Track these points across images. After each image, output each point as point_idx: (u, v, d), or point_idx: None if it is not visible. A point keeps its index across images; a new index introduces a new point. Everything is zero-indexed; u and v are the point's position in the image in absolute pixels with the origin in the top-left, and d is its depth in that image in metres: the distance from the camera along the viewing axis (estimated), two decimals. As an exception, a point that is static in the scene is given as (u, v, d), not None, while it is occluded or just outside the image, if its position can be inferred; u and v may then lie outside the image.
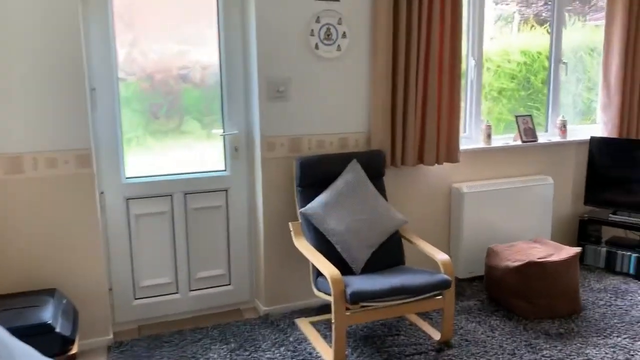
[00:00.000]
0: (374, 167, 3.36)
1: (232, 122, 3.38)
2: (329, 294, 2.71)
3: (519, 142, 4.06)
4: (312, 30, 3.26)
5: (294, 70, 3.27)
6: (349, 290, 2.64)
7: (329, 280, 2.67)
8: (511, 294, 3.37)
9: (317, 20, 3.26)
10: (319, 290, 2.97)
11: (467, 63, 3.94)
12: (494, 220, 3.89)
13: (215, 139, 3.40)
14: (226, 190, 3.43)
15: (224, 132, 3.39)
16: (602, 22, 4.34)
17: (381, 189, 3.35)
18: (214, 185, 3.39)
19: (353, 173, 3.23)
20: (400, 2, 3.33)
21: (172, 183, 3.30)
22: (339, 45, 3.34)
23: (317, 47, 3.29)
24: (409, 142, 3.51)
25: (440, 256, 2.98)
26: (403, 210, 3.67)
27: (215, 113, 3.38)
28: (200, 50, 3.30)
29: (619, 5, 4.03)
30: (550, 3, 4.17)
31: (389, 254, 3.19)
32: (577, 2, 4.12)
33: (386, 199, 3.34)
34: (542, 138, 4.19)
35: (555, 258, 3.33)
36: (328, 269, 2.74)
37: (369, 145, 3.53)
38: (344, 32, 3.34)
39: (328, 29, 3.30)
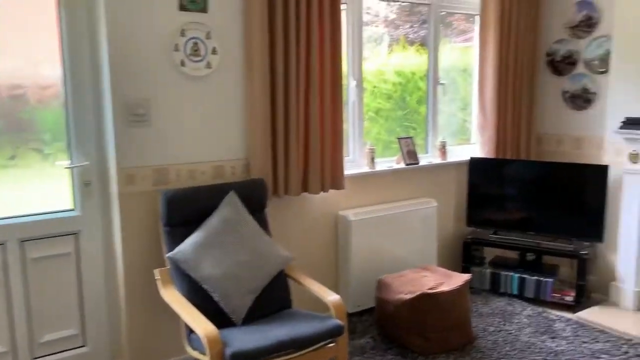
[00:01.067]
0: (255, 198, 2.99)
1: (81, 151, 2.83)
2: (205, 354, 2.28)
3: (402, 165, 3.93)
4: (177, 44, 2.84)
5: (156, 90, 2.82)
6: (228, 351, 2.23)
7: (203, 340, 2.24)
8: (405, 329, 3.16)
9: (182, 34, 2.84)
10: (193, 348, 2.52)
11: (348, 84, 3.73)
12: (382, 248, 3.70)
13: (60, 173, 2.82)
14: (76, 234, 2.85)
15: (71, 164, 2.82)
16: (470, 44, 4.40)
17: (263, 224, 2.99)
18: (59, 229, 2.80)
19: (230, 207, 2.83)
20: (277, 17, 3.02)
21: (3, 229, 2.66)
22: (208, 62, 2.94)
23: (183, 63, 2.87)
24: (292, 169, 3.20)
25: (331, 297, 2.67)
26: (288, 245, 3.33)
27: (59, 141, 2.81)
28: (38, 67, 2.72)
29: (491, 29, 4.09)
30: (415, 26, 4.13)
31: (273, 298, 2.82)
32: (441, 25, 4.14)
33: (269, 235, 2.98)
34: (423, 160, 4.10)
35: (446, 287, 3.18)
36: (202, 327, 2.30)
37: (247, 173, 3.16)
38: (214, 48, 2.95)
39: (195, 44, 2.89)
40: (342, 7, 3.45)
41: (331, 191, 3.46)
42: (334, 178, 3.42)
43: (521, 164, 4.20)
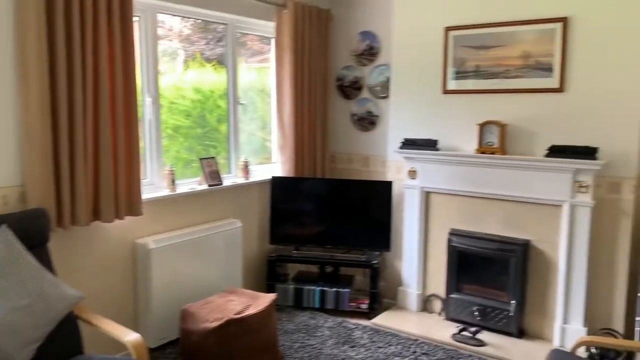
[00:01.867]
0: (34, 232, 2.58)
1: None
2: None
3: (205, 186, 3.81)
4: None
5: None
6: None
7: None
8: (213, 358, 3.03)
9: None
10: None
11: (144, 101, 3.49)
12: (186, 274, 3.52)
13: None
14: None
15: None
16: (266, 64, 4.51)
17: (45, 261, 2.59)
18: None
19: (2, 245, 2.39)
20: (57, 27, 2.68)
21: None
22: (-31, 73, 2.47)
23: None
24: (80, 195, 2.85)
25: (129, 337, 2.42)
26: (78, 282, 2.97)
27: None
28: None
29: (286, 52, 4.22)
30: (211, 43, 4.09)
31: (61, 345, 2.46)
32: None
33: (54, 273, 2.59)
34: (227, 180, 4.04)
35: (253, 310, 3.15)
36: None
37: (24, 203, 2.72)
38: (-23, 56, 2.49)
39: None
40: (135, 18, 3.23)
41: (127, 218, 3.18)
42: (130, 203, 3.15)
43: (317, 181, 4.41)
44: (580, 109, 3.44)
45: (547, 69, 3.53)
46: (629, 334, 3.40)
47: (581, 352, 3.26)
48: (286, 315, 4.01)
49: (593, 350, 3.33)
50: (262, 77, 4.58)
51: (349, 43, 4.66)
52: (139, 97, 3.25)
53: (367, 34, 4.55)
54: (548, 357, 2.54)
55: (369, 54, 4.57)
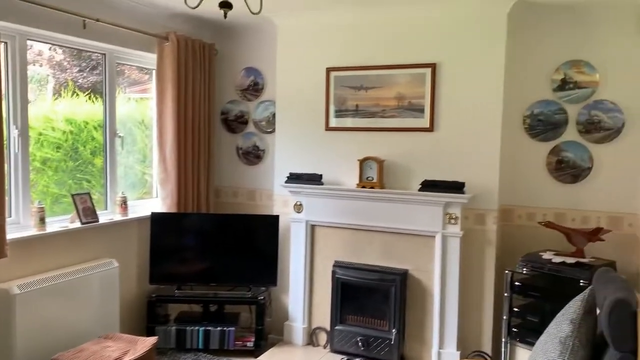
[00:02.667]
0: None
1: None
2: None
3: (78, 224, 3.55)
4: None
5: None
6: None
7: None
8: (85, 412, 2.79)
9: None
10: None
11: (9, 132, 3.22)
12: (57, 321, 3.23)
13: None
14: None
15: None
16: (147, 95, 4.38)
17: None
18: None
19: None
20: None
21: None
22: None
23: None
24: None
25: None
26: None
27: None
28: None
29: (169, 84, 4.12)
30: (85, 71, 3.91)
31: None
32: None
33: None
34: (103, 217, 3.81)
35: (131, 356, 2.96)
36: None
37: None
38: None
39: None
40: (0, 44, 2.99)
41: (-14, 261, 2.87)
42: (-10, 245, 2.85)
43: (201, 216, 4.32)
44: (449, 147, 3.74)
45: (419, 110, 3.81)
46: (496, 355, 3.68)
47: (456, 374, 3.47)
48: (167, 359, 3.82)
49: (466, 372, 3.55)
50: (142, 108, 4.43)
51: (233, 78, 4.68)
52: (4, 129, 2.99)
53: (251, 70, 4.61)
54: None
55: (254, 89, 4.62)
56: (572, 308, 2.15)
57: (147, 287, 4.16)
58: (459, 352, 3.69)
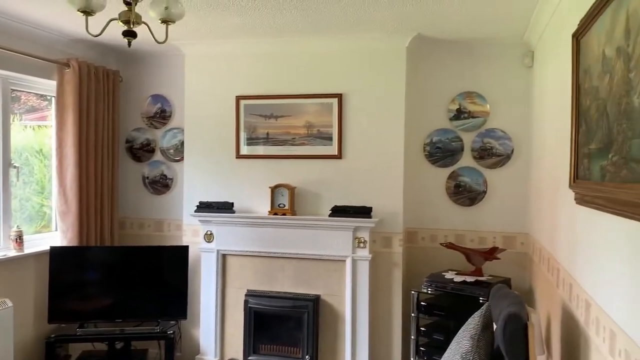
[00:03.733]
0: None
1: None
2: None
3: (-35, 262, 3.27)
4: None
5: None
6: None
7: None
8: None
9: None
10: None
11: None
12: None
13: None
14: None
15: None
16: (45, 123, 4.17)
17: None
18: None
19: None
20: None
21: None
22: None
23: None
24: None
25: None
26: None
27: None
28: None
29: (70, 111, 3.95)
30: None
31: None
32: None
33: None
34: (-6, 253, 3.54)
35: (28, 403, 2.74)
36: None
37: None
38: None
39: None
40: None
41: None
42: None
43: (105, 250, 4.13)
44: (356, 173, 3.88)
45: (328, 138, 3.92)
46: (406, 374, 3.80)
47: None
48: (69, 403, 3.57)
49: (378, 393, 3.63)
50: (40, 136, 4.19)
51: (139, 105, 4.56)
52: None
53: (158, 97, 4.52)
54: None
55: (161, 117, 4.53)
56: (472, 324, 2.29)
57: (45, 327, 3.88)
58: (370, 374, 3.78)
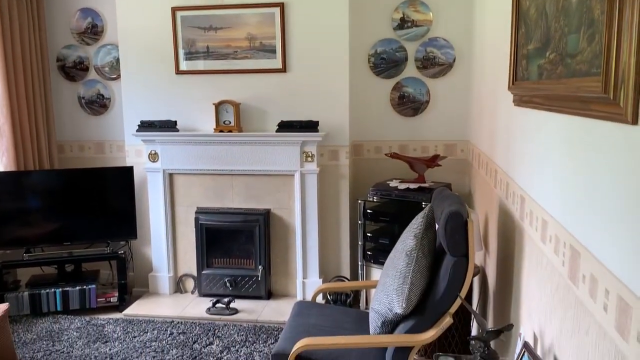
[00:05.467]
0: None
1: None
2: None
3: None
4: None
5: None
6: None
7: None
8: None
9: None
10: None
11: None
12: None
13: None
14: None
15: None
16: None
17: None
18: None
19: None
20: None
21: None
22: None
23: None
24: None
25: None
26: None
27: None
28: None
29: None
30: None
31: None
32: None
33: None
34: None
35: (-20, 326, 2.73)
36: None
37: None
38: None
39: None
40: None
41: None
42: None
43: (45, 174, 3.99)
44: (301, 87, 3.84)
45: (271, 51, 3.83)
46: (354, 277, 4.00)
47: (320, 299, 3.72)
48: (22, 326, 3.58)
49: (329, 296, 3.83)
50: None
51: (68, 20, 4.27)
52: None
53: (88, 11, 4.24)
54: (293, 308, 2.84)
55: (93, 32, 4.27)
56: (415, 224, 2.41)
57: (-11, 254, 3.80)
58: (321, 280, 3.95)
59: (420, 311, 2.24)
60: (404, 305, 2.20)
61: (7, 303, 3.00)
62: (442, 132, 4.00)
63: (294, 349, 2.24)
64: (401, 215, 3.54)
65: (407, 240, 2.36)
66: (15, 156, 3.84)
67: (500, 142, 2.60)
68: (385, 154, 3.84)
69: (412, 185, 3.62)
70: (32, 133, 4.02)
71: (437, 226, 2.43)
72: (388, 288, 2.31)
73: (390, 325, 2.36)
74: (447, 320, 2.17)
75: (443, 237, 2.18)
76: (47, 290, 3.75)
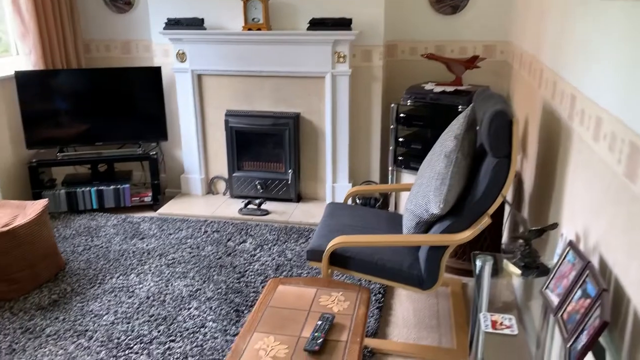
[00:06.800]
0: None
1: None
2: None
3: None
4: None
5: None
6: None
7: None
8: (-18, 280, 2.69)
9: None
10: None
11: None
12: None
13: None
14: None
15: None
16: None
17: None
18: None
19: None
20: None
21: None
22: None
23: None
24: None
25: None
26: None
27: None
28: None
29: None
30: None
31: None
32: None
33: None
34: (-45, 79, 3.35)
35: (22, 220, 2.82)
36: None
37: None
38: None
39: None
40: None
41: None
42: None
43: (74, 73, 3.94)
44: (334, -19, 3.62)
45: (302, -59, 3.58)
46: (383, 181, 3.99)
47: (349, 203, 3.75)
48: (61, 222, 3.70)
49: (358, 200, 3.85)
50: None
51: None
52: None
53: None
54: (325, 209, 2.86)
55: None
56: (456, 125, 2.33)
57: (25, 152, 3.86)
58: (350, 184, 3.96)
59: (457, 212, 2.22)
60: (441, 206, 2.17)
61: (47, 200, 3.09)
62: (481, 32, 3.78)
63: (329, 245, 2.27)
64: (435, 120, 3.45)
65: (447, 141, 2.29)
66: (43, 54, 3.78)
67: (550, 38, 2.44)
68: (421, 55, 3.67)
69: (448, 88, 3.49)
70: (58, 30, 3.92)
71: (477, 127, 2.35)
72: (425, 189, 2.28)
73: (424, 226, 2.36)
74: (485, 221, 2.15)
75: (486, 137, 2.11)
76: (83, 189, 3.84)
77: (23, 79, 3.68)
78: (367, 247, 2.35)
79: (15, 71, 3.66)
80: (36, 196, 3.75)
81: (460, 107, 3.32)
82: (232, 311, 2.62)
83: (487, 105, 2.26)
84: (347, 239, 2.28)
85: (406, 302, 2.76)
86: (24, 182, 3.83)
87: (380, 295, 2.75)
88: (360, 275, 2.34)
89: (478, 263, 1.91)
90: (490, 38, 3.78)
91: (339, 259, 2.34)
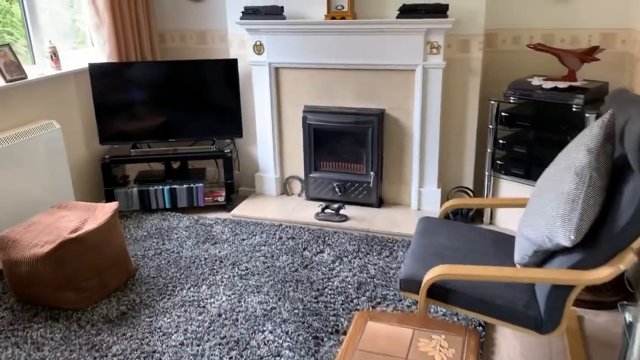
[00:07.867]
0: None
1: None
2: None
3: (2, 83, 3.01)
4: None
5: None
6: None
7: None
8: (50, 287, 2.55)
9: None
10: None
11: None
12: (2, 194, 2.86)
13: None
14: None
15: None
16: None
17: None
18: None
19: None
20: None
21: None
22: None
23: None
24: None
25: None
26: None
27: None
28: None
29: None
30: None
31: None
32: None
33: None
34: (32, 72, 3.25)
35: (92, 225, 2.66)
36: None
37: None
38: None
39: None
40: None
41: None
42: None
43: (148, 65, 3.77)
44: (429, -37, 3.21)
45: None
46: (478, 188, 3.57)
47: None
48: (133, 222, 3.57)
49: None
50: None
51: None
52: None
53: None
54: (418, 224, 2.50)
55: None
56: (589, 136, 1.90)
57: (98, 148, 3.76)
58: (439, 190, 3.57)
59: (590, 243, 1.80)
60: (572, 237, 1.76)
61: (117, 202, 2.93)
62: (598, 18, 3.25)
63: (428, 277, 1.92)
64: (544, 120, 3.00)
65: (577, 154, 1.87)
66: (117, 46, 3.63)
67: None
68: (527, 45, 3.20)
69: (561, 84, 3.01)
70: (133, 21, 3.77)
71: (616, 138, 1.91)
72: (548, 212, 1.87)
73: (543, 255, 1.96)
74: (630, 258, 1.72)
75: (635, 152, 1.67)
76: (156, 187, 3.68)
77: (97, 72, 3.55)
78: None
79: (89, 63, 3.54)
80: (109, 194, 3.63)
81: (575, 106, 2.85)
82: (310, 338, 2.34)
83: (629, 110, 1.82)
84: (451, 269, 1.91)
85: (511, 337, 2.37)
86: (97, 178, 3.73)
87: (481, 328, 2.38)
88: (463, 311, 1.98)
89: (628, 317, 1.50)
90: (609, 25, 3.24)
91: (439, 290, 1.98)
